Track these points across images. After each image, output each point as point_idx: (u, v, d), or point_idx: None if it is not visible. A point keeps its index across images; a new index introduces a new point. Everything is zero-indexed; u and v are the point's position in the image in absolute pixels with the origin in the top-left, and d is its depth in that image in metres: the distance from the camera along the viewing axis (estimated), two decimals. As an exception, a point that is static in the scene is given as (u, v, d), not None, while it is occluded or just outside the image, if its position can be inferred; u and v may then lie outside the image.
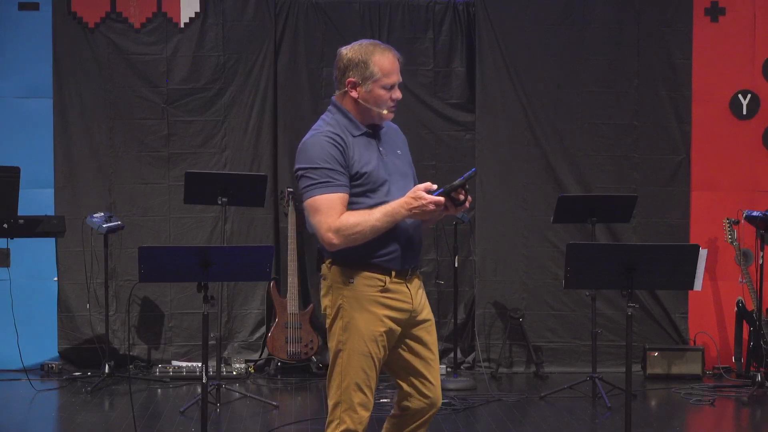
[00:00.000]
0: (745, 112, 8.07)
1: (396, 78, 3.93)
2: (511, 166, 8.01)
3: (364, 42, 3.96)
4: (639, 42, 8.02)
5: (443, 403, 6.60)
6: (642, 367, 7.75)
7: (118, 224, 7.47)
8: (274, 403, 6.82)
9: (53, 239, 7.66)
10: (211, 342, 6.68)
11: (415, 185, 3.88)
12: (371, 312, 3.88)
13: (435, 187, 3.79)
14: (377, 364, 3.92)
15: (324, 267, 3.98)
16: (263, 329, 7.92)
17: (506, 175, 7.99)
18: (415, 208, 3.75)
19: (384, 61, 3.90)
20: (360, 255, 3.87)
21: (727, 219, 7.68)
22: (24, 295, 7.59)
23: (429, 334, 4.06)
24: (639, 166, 8.04)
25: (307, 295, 7.94)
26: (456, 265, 7.55)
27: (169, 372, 7.61)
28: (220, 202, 6.77)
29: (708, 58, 8.03)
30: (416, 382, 4.03)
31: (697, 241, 7.67)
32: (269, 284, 7.73)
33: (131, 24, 7.90)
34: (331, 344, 3.96)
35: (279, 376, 7.64)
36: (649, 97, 8.03)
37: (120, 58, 7.89)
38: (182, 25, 7.92)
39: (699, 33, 8.03)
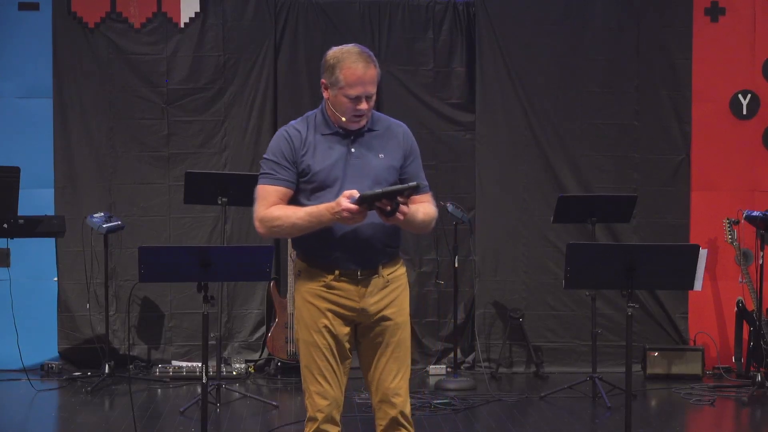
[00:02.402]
0: (745, 112, 8.07)
1: (359, 90, 3.84)
2: (511, 166, 8.01)
3: (346, 47, 3.92)
4: (639, 42, 8.01)
5: (443, 403, 6.69)
6: (642, 367, 7.75)
7: (118, 224, 7.47)
8: (274, 403, 6.81)
9: (53, 239, 7.66)
10: (211, 342, 6.68)
11: None
12: (313, 305, 3.99)
13: (357, 195, 3.72)
14: (328, 353, 3.98)
15: None
16: (263, 329, 7.92)
17: (506, 175, 7.99)
18: (336, 212, 3.76)
19: (350, 71, 3.83)
20: (305, 251, 4.02)
21: (727, 219, 7.68)
22: (24, 295, 7.59)
23: (387, 332, 4.02)
24: (639, 166, 8.04)
25: (307, 295, 7.93)
26: (456, 265, 7.54)
27: (169, 372, 7.61)
28: (220, 202, 6.76)
29: (708, 58, 8.03)
30: (368, 377, 4.08)
31: (697, 241, 7.67)
32: (269, 284, 7.74)
33: (131, 24, 7.90)
34: None
35: (279, 376, 7.64)
36: (649, 97, 8.03)
37: (120, 58, 7.89)
38: (182, 25, 7.92)
39: (699, 33, 8.03)
